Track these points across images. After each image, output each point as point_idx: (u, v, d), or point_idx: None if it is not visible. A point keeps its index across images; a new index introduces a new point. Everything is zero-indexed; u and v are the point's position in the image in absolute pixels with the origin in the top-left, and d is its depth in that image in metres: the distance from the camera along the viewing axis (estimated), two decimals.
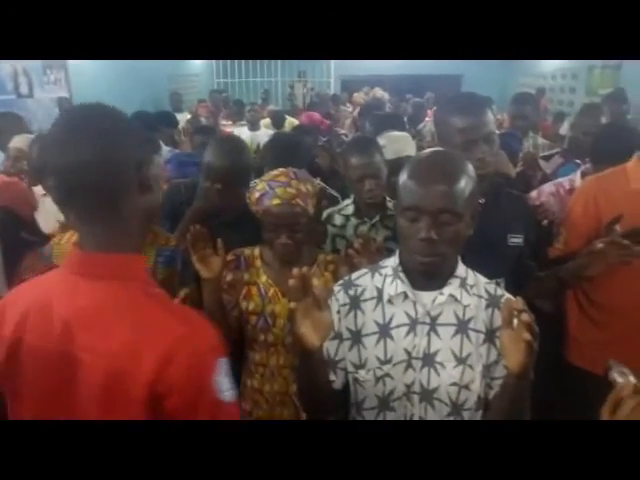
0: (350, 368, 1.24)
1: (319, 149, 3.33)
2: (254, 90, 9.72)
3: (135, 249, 0.96)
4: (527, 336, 0.97)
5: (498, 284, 1.39)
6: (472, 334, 1.18)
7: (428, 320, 1.18)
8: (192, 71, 9.69)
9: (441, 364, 1.18)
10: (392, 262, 1.25)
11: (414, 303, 1.18)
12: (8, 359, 0.93)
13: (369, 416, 1.24)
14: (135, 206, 0.92)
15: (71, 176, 0.86)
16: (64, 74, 6.02)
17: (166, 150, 3.15)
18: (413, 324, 1.18)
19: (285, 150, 2.20)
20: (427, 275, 1.18)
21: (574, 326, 1.99)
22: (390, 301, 1.20)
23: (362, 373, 1.22)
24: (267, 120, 5.64)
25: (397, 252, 1.25)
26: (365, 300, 1.23)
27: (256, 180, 1.66)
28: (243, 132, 4.92)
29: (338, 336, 1.23)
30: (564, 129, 3.77)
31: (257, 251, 1.68)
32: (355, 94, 8.50)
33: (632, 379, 0.92)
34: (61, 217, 1.80)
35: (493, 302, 1.21)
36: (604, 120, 2.78)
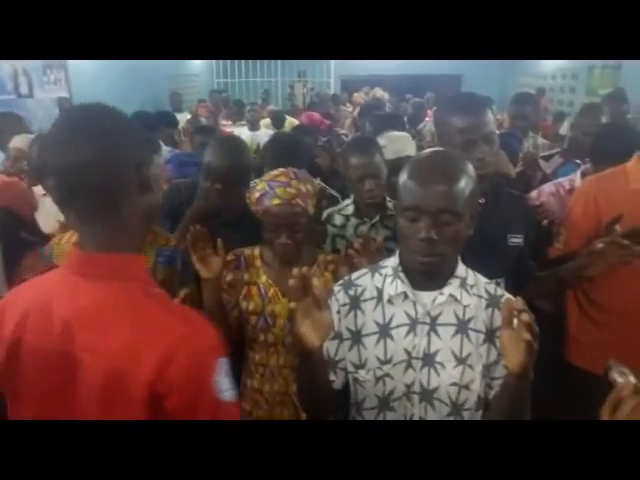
0: (350, 368, 1.24)
1: (319, 149, 3.33)
2: (254, 90, 9.72)
3: (135, 249, 0.96)
4: (527, 336, 0.97)
5: (498, 284, 1.39)
6: (472, 334, 1.18)
7: (428, 320, 1.18)
8: (192, 71, 9.69)
9: (441, 364, 1.18)
10: (392, 262, 1.25)
11: (414, 303, 1.18)
12: (8, 359, 0.93)
13: (369, 416, 1.24)
14: (135, 206, 0.92)
15: (71, 176, 0.86)
16: (64, 74, 6.02)
17: (166, 150, 3.15)
18: (413, 324, 1.18)
19: (285, 150, 2.20)
20: (427, 275, 1.18)
21: (574, 326, 1.99)
22: (390, 301, 1.20)
23: (362, 373, 1.22)
24: (267, 120, 5.64)
25: (397, 252, 1.25)
26: (365, 300, 1.23)
27: (256, 180, 1.66)
28: (243, 132, 4.92)
29: (338, 336, 1.23)
30: (564, 129, 3.76)
31: (257, 251, 1.68)
32: (355, 94, 8.50)
33: (632, 379, 0.92)
34: (61, 217, 1.80)
35: (493, 302, 1.21)
36: (604, 120, 2.78)
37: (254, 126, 5.19)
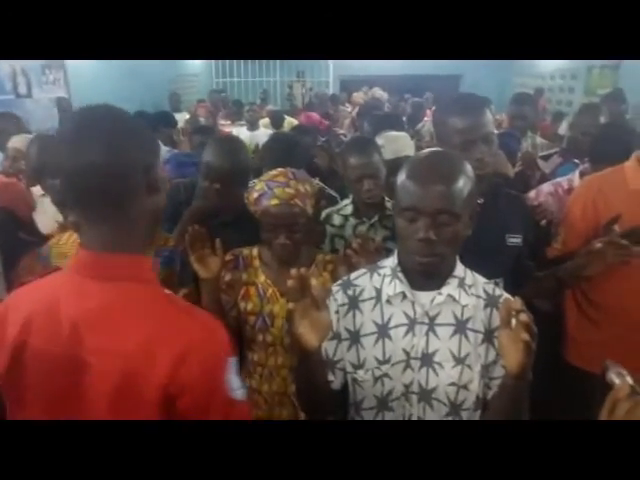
0: (349, 368, 1.24)
1: (318, 149, 3.33)
2: (253, 90, 9.72)
3: (142, 250, 0.95)
4: (525, 336, 0.97)
5: (497, 284, 1.39)
6: (470, 334, 1.18)
7: (426, 320, 1.18)
8: (191, 71, 9.69)
9: (439, 364, 1.18)
10: (391, 262, 1.25)
11: (412, 303, 1.18)
12: (12, 364, 0.91)
13: (368, 416, 1.24)
14: (143, 207, 0.92)
15: (82, 178, 0.85)
16: (63, 74, 6.02)
17: (165, 150, 3.15)
18: (411, 324, 1.18)
19: (284, 150, 2.20)
20: (425, 275, 1.18)
21: (572, 326, 1.99)
22: (389, 301, 1.20)
23: (361, 373, 1.22)
24: (266, 120, 5.64)
25: (395, 252, 1.25)
26: (364, 300, 1.23)
27: (255, 180, 1.66)
28: (242, 132, 4.93)
29: (336, 336, 1.23)
30: (563, 129, 3.77)
31: (255, 251, 1.68)
32: (354, 94, 8.51)
33: (629, 380, 0.92)
34: (59, 217, 1.79)
35: (491, 302, 1.21)
36: (603, 120, 2.78)
37: (253, 126, 5.20)
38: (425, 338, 1.18)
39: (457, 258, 1.21)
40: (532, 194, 2.32)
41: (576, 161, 2.62)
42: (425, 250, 1.11)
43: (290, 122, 5.38)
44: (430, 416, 1.20)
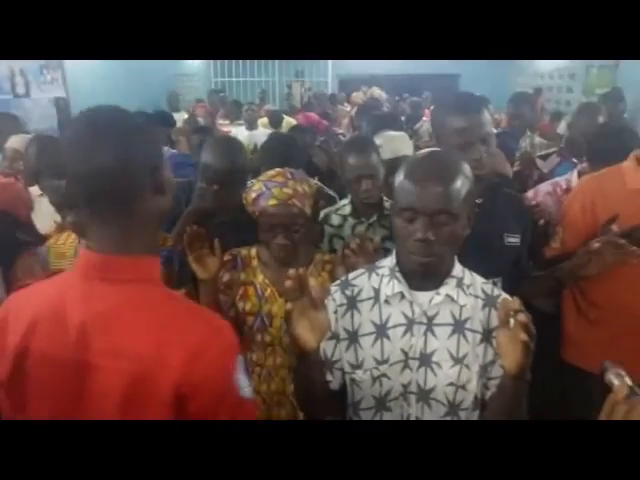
0: (347, 368, 1.23)
1: (316, 149, 3.33)
2: (252, 90, 9.71)
3: (149, 251, 0.94)
4: (524, 336, 0.97)
5: (495, 284, 1.39)
6: (469, 334, 1.18)
7: (425, 320, 1.18)
8: (190, 71, 9.68)
9: (438, 364, 1.18)
10: (389, 262, 1.24)
11: (411, 303, 1.18)
12: (14, 370, 0.90)
13: (366, 416, 1.24)
14: (150, 209, 0.92)
15: (95, 180, 0.85)
16: (61, 74, 6.00)
17: (163, 150, 3.13)
18: (410, 324, 1.18)
19: (282, 150, 2.20)
20: (424, 275, 1.18)
21: (571, 325, 1.99)
22: (387, 301, 1.20)
23: (359, 373, 1.22)
24: (265, 120, 5.63)
25: (394, 252, 1.25)
26: (362, 300, 1.23)
27: (253, 180, 1.66)
28: (241, 132, 4.92)
29: (335, 336, 1.23)
30: (561, 128, 3.77)
31: (254, 251, 1.68)
32: (353, 94, 8.50)
33: (628, 381, 0.92)
34: (57, 218, 1.79)
35: (490, 302, 1.21)
36: (601, 120, 2.78)
37: (252, 126, 5.19)
38: (423, 338, 1.18)
39: (455, 258, 1.21)
40: (530, 194, 2.32)
41: (574, 161, 2.62)
42: (423, 250, 1.11)
43: (289, 122, 5.37)
44: (428, 416, 1.20)
